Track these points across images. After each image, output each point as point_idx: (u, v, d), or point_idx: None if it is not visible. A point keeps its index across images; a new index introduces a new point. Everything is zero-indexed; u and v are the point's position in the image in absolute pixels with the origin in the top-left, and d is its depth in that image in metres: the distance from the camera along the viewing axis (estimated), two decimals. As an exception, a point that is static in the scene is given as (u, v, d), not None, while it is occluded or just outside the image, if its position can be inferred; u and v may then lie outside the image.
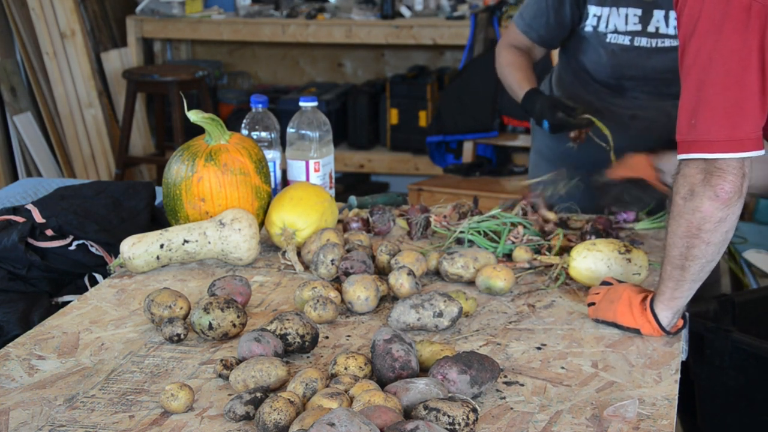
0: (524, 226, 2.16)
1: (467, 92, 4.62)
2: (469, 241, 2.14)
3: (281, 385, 1.53)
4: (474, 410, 1.39)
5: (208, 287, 1.86)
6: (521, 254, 2.05)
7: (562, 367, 1.62)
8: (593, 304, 1.80)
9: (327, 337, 1.75)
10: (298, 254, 2.11)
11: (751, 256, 3.50)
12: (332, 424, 1.26)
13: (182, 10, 5.58)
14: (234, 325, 1.71)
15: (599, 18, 2.38)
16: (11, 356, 1.67)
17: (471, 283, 1.97)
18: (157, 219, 2.42)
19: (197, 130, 2.20)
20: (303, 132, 2.38)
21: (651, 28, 2.36)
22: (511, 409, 1.49)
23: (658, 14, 2.35)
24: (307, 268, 2.07)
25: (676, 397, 1.52)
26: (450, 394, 1.45)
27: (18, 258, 2.13)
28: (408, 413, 1.41)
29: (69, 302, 2.04)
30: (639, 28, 2.36)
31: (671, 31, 2.35)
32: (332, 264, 1.97)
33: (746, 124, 1.54)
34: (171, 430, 1.44)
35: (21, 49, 5.03)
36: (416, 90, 5.38)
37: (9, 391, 1.55)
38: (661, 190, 2.13)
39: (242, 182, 2.12)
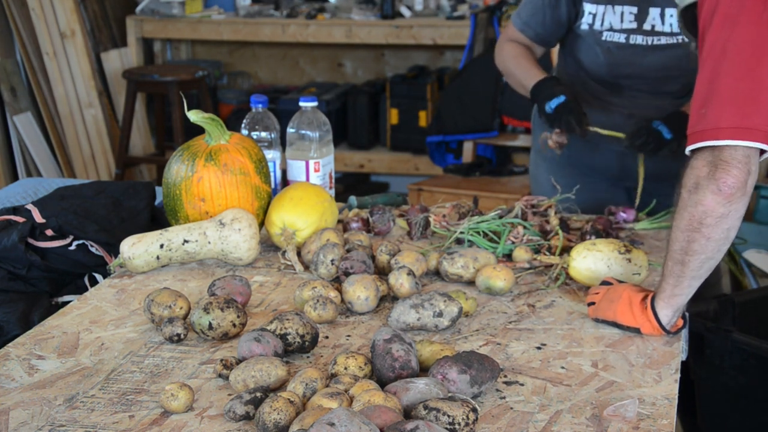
0: (524, 227, 2.16)
1: (467, 92, 4.62)
2: (469, 241, 2.14)
3: (281, 385, 1.53)
4: (474, 410, 1.39)
5: (208, 287, 1.86)
6: (521, 254, 2.05)
7: (562, 367, 1.62)
8: (593, 303, 1.80)
9: (327, 337, 1.75)
10: (298, 254, 2.11)
11: (751, 256, 3.50)
12: (332, 424, 1.26)
13: (182, 10, 5.58)
14: (234, 325, 1.71)
15: (594, 16, 2.38)
16: (11, 356, 1.67)
17: (471, 283, 1.97)
18: (157, 219, 2.42)
19: (197, 130, 2.20)
20: (303, 132, 2.38)
21: (647, 26, 2.36)
22: (511, 408, 1.49)
23: (654, 12, 2.35)
24: (307, 268, 2.07)
25: (676, 397, 1.52)
26: (450, 394, 1.45)
27: (18, 258, 2.13)
28: (408, 413, 1.41)
29: (69, 302, 2.04)
30: (634, 26, 2.37)
31: (667, 28, 2.35)
32: (332, 264, 1.97)
33: (757, 115, 1.53)
34: (171, 430, 1.44)
35: (21, 49, 5.03)
36: (416, 90, 5.38)
37: (9, 391, 1.55)
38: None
39: (242, 182, 2.12)
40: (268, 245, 2.20)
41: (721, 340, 2.16)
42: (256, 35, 5.52)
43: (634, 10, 2.36)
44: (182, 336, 1.72)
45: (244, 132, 2.41)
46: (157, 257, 2.04)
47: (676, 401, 1.51)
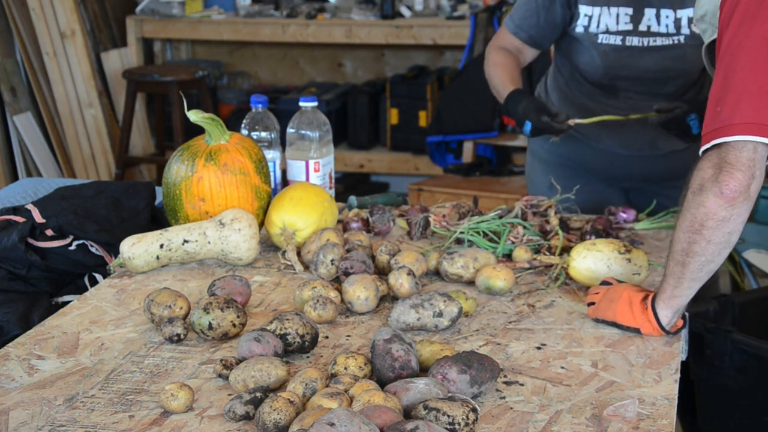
0: (524, 227, 2.16)
1: (467, 92, 4.62)
2: (469, 241, 2.14)
3: (281, 385, 1.53)
4: (474, 410, 1.39)
5: (208, 287, 1.86)
6: (521, 254, 2.05)
7: (562, 367, 1.62)
8: (593, 303, 1.80)
9: (327, 337, 1.75)
10: (298, 254, 2.11)
11: (751, 256, 3.50)
12: (332, 424, 1.26)
13: (182, 10, 5.58)
14: (234, 325, 1.71)
15: (590, 18, 2.38)
16: (11, 356, 1.67)
17: (471, 283, 1.97)
18: (157, 219, 2.42)
19: (197, 130, 2.20)
20: (303, 132, 2.38)
21: (642, 27, 2.36)
22: (511, 408, 1.49)
23: (649, 13, 2.35)
24: (307, 268, 2.07)
25: (676, 397, 1.52)
26: (450, 394, 1.45)
27: (18, 258, 2.13)
28: (408, 413, 1.41)
29: (69, 302, 2.04)
30: (630, 27, 2.36)
31: (663, 29, 2.35)
32: (332, 264, 1.97)
33: None
34: (171, 430, 1.44)
35: (21, 49, 5.03)
36: (416, 90, 5.38)
37: (9, 391, 1.55)
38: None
39: (242, 182, 2.12)
40: (268, 245, 2.20)
41: (721, 340, 2.16)
42: (256, 35, 5.52)
43: (630, 11, 2.35)
44: (182, 336, 1.72)
45: (244, 132, 2.41)
46: (157, 257, 2.04)
47: (676, 401, 1.51)
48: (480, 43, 4.84)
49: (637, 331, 1.73)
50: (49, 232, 2.20)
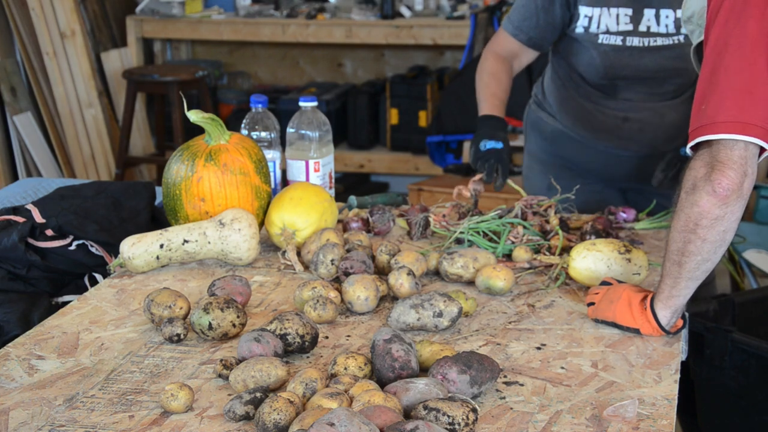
0: (524, 227, 2.16)
1: (467, 92, 4.60)
2: (469, 241, 2.14)
3: (281, 385, 1.53)
4: (474, 410, 1.39)
5: (208, 287, 1.86)
6: (521, 254, 2.05)
7: (562, 367, 1.62)
8: (593, 304, 1.80)
9: (327, 337, 1.75)
10: (298, 254, 2.11)
11: (751, 256, 3.50)
12: (332, 424, 1.26)
13: (182, 10, 5.58)
14: (234, 325, 1.71)
15: (590, 18, 2.37)
16: (11, 356, 1.67)
17: (471, 283, 1.97)
18: (157, 219, 2.41)
19: (197, 130, 2.20)
20: (303, 132, 2.38)
21: (642, 27, 2.36)
22: (511, 409, 1.49)
23: (649, 13, 2.35)
24: (307, 268, 2.07)
25: (676, 397, 1.52)
26: (450, 394, 1.45)
27: (18, 258, 2.13)
28: (408, 413, 1.41)
29: (69, 302, 2.04)
30: (630, 27, 2.36)
31: (662, 29, 2.35)
32: (332, 264, 1.97)
33: (755, 110, 1.53)
34: (171, 430, 1.44)
35: (21, 49, 5.03)
36: (416, 90, 5.38)
37: (9, 391, 1.55)
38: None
39: (242, 182, 2.12)
40: (268, 245, 2.20)
41: (721, 340, 2.16)
42: (256, 35, 5.53)
43: (629, 11, 2.35)
44: (182, 336, 1.72)
45: (244, 132, 2.41)
46: (157, 257, 2.04)
47: (676, 401, 1.51)
48: (480, 43, 4.84)
49: (636, 331, 1.73)
50: (49, 232, 2.20)
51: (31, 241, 2.17)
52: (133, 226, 2.28)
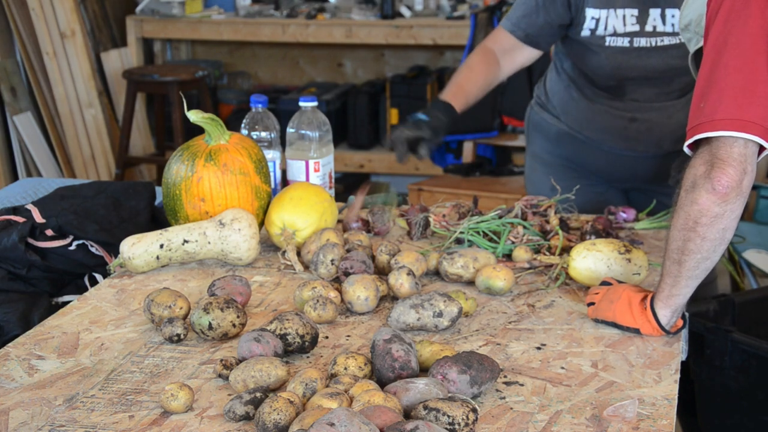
0: (524, 227, 2.15)
1: (467, 92, 4.62)
2: (469, 241, 2.14)
3: (281, 385, 1.53)
4: (474, 410, 1.39)
5: (208, 287, 1.86)
6: (521, 254, 2.05)
7: (562, 367, 1.62)
8: (593, 304, 1.80)
9: (327, 337, 1.75)
10: (298, 254, 2.11)
11: (751, 256, 3.50)
12: (332, 424, 1.26)
13: (182, 10, 5.59)
14: (234, 325, 1.71)
15: (597, 20, 2.37)
16: (11, 356, 1.67)
17: (471, 283, 1.97)
18: (157, 219, 2.41)
19: (197, 130, 2.20)
20: (303, 132, 2.38)
21: (648, 27, 2.35)
22: (511, 409, 1.49)
23: (654, 13, 2.34)
24: (306, 268, 2.07)
25: (676, 397, 1.52)
26: (450, 394, 1.45)
27: (18, 258, 2.13)
28: (408, 413, 1.41)
29: (69, 302, 2.04)
30: (637, 28, 2.36)
31: (669, 28, 2.35)
32: (332, 264, 1.97)
33: (754, 108, 1.53)
34: (171, 430, 1.44)
35: (21, 49, 5.03)
36: (416, 90, 5.38)
37: (9, 391, 1.55)
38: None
39: (242, 182, 2.12)
40: (268, 245, 2.20)
41: (721, 340, 2.16)
42: (256, 35, 5.53)
43: (635, 12, 2.35)
44: (182, 336, 1.72)
45: (244, 132, 2.41)
46: (157, 257, 2.04)
47: (676, 401, 1.51)
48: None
49: (636, 331, 1.73)
50: (49, 232, 2.20)
51: (31, 241, 2.17)
52: (133, 226, 2.28)
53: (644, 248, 2.13)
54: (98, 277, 2.22)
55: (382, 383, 1.50)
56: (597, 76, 2.46)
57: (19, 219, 2.21)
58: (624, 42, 2.37)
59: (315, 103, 2.40)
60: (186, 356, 1.67)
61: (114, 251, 2.21)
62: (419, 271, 1.98)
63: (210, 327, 1.70)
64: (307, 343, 1.65)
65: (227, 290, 1.82)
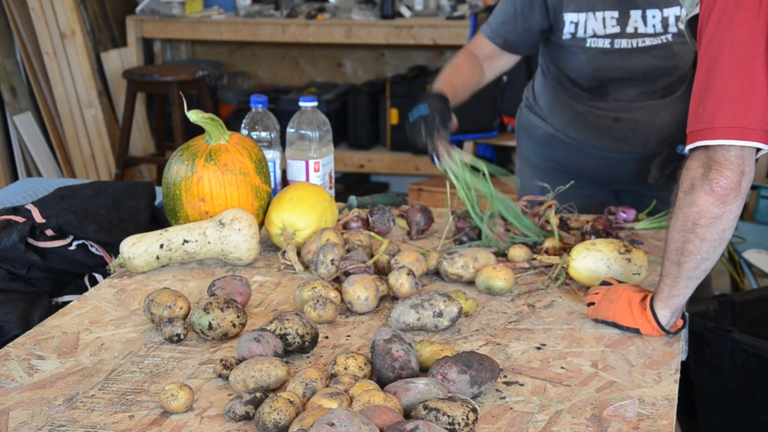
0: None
1: (467, 92, 4.62)
2: (469, 240, 2.14)
3: (281, 385, 1.53)
4: (474, 410, 1.39)
5: (208, 287, 1.86)
6: (521, 254, 2.05)
7: (562, 367, 1.62)
8: (593, 304, 1.80)
9: (327, 337, 1.75)
10: (298, 254, 2.11)
11: (751, 256, 3.49)
12: (332, 424, 1.26)
13: (182, 10, 5.59)
14: (234, 325, 1.71)
15: (576, 24, 2.35)
16: (11, 356, 1.67)
17: (471, 283, 1.97)
18: (157, 219, 2.42)
19: (197, 130, 2.20)
20: (303, 132, 2.38)
21: (630, 29, 2.35)
22: (511, 409, 1.49)
23: (635, 14, 2.34)
24: (306, 268, 2.07)
25: (676, 397, 1.52)
26: (450, 394, 1.45)
27: (18, 258, 2.13)
28: (408, 413, 1.41)
29: (69, 302, 2.04)
30: (618, 30, 2.35)
31: (650, 30, 2.34)
32: (332, 264, 1.97)
33: (752, 113, 1.53)
34: (171, 430, 1.44)
35: (21, 49, 5.03)
36: (416, 90, 5.38)
37: (9, 391, 1.55)
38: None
39: (242, 182, 2.12)
40: (268, 245, 2.20)
41: (721, 340, 2.16)
42: (256, 35, 5.53)
43: (615, 14, 2.34)
44: (182, 336, 1.72)
45: (244, 132, 2.41)
46: (157, 257, 2.04)
47: (676, 401, 1.51)
48: (480, 43, 4.83)
49: (636, 331, 1.73)
50: (49, 232, 2.20)
51: (31, 241, 2.17)
52: (133, 226, 2.28)
53: (644, 248, 2.13)
54: (98, 277, 2.22)
55: (382, 383, 1.50)
56: (579, 77, 2.45)
57: (19, 219, 2.21)
58: (605, 43, 2.36)
59: (315, 103, 2.40)
60: (186, 356, 1.67)
61: (114, 251, 2.21)
62: (419, 271, 1.98)
63: (210, 327, 1.70)
64: (307, 343, 1.65)
65: (227, 290, 1.82)
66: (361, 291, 1.83)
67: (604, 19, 2.34)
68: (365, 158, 5.55)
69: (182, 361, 1.66)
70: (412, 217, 2.25)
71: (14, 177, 4.93)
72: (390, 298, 1.91)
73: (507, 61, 2.52)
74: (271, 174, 2.33)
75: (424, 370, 1.57)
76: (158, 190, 2.50)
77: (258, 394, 1.45)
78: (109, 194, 2.39)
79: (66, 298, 2.17)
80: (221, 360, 1.59)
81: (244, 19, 5.51)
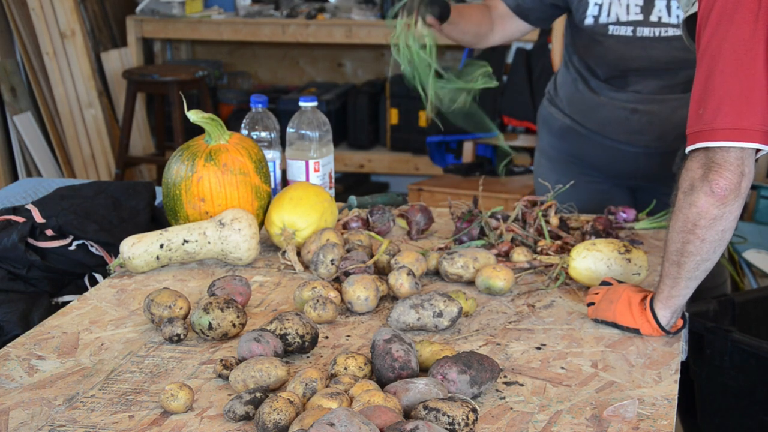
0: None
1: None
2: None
3: (281, 386, 1.53)
4: (474, 410, 1.39)
5: (208, 287, 1.86)
6: (521, 254, 2.05)
7: (562, 367, 1.62)
8: (593, 304, 1.80)
9: (327, 337, 1.75)
10: (298, 254, 2.11)
11: (751, 256, 3.50)
12: (332, 424, 1.26)
13: (182, 10, 5.59)
14: (234, 325, 1.71)
15: (600, 7, 2.36)
16: (11, 356, 1.67)
17: (471, 283, 1.97)
18: (157, 219, 2.42)
19: (197, 130, 2.20)
20: (303, 132, 2.38)
21: (653, 18, 2.35)
22: (511, 409, 1.49)
23: (660, 3, 2.34)
24: (306, 268, 2.07)
25: (676, 397, 1.52)
26: (450, 394, 1.45)
27: (18, 258, 2.13)
28: (408, 413, 1.41)
29: (69, 302, 2.04)
30: (641, 17, 2.35)
31: (674, 20, 2.34)
32: (332, 264, 1.97)
33: (752, 114, 1.53)
34: (171, 430, 1.44)
35: (21, 49, 5.03)
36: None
37: (9, 391, 1.55)
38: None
39: (242, 182, 2.12)
40: (268, 245, 2.20)
41: (721, 340, 2.16)
42: (256, 35, 5.53)
43: (640, 1, 2.34)
44: (182, 336, 1.72)
45: (244, 132, 2.41)
46: (157, 257, 2.04)
47: (676, 402, 1.51)
48: (480, 43, 4.83)
49: (636, 331, 1.73)
50: (49, 232, 2.20)
51: (31, 241, 2.17)
52: (133, 226, 2.28)
53: (644, 248, 2.13)
54: (98, 277, 2.22)
55: (382, 383, 1.50)
56: (600, 66, 2.46)
57: (19, 219, 2.21)
58: (627, 31, 2.36)
59: (315, 103, 2.40)
60: (186, 356, 1.67)
61: (114, 251, 2.21)
62: (419, 271, 1.98)
63: (210, 327, 1.70)
64: (307, 343, 1.65)
65: (227, 290, 1.82)
66: (361, 291, 1.83)
67: (628, 5, 2.35)
68: (365, 158, 5.55)
69: (182, 361, 1.66)
70: (412, 217, 2.25)
71: (14, 177, 4.93)
72: (390, 298, 1.91)
73: (517, 26, 2.53)
74: (271, 174, 2.33)
75: (424, 370, 1.57)
76: (158, 190, 2.50)
77: (258, 394, 1.45)
78: (109, 194, 2.39)
79: (66, 298, 2.17)
80: (221, 360, 1.59)
81: (244, 19, 5.51)
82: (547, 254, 2.07)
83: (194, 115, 2.11)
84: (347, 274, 1.93)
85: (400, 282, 1.88)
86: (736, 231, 1.62)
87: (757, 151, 1.57)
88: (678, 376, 1.60)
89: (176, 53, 6.04)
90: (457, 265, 1.97)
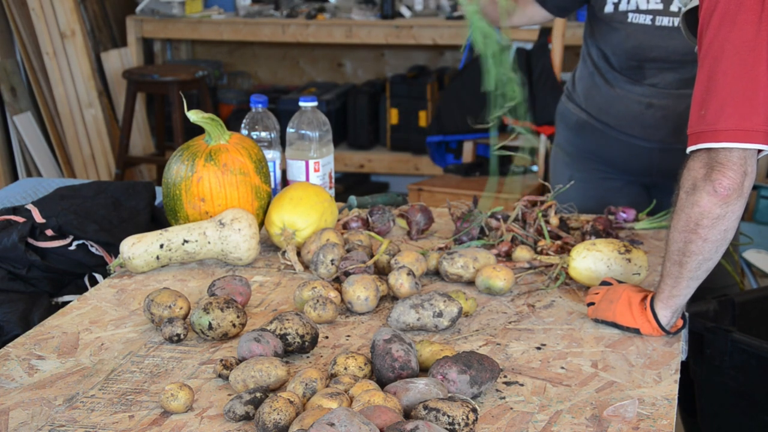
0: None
1: (467, 92, 4.62)
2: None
3: (281, 386, 1.53)
4: (474, 410, 1.39)
5: (208, 287, 1.86)
6: (521, 254, 2.05)
7: (562, 367, 1.62)
8: (593, 304, 1.80)
9: (327, 337, 1.75)
10: (298, 254, 2.11)
11: (751, 256, 3.50)
12: (332, 424, 1.26)
13: (182, 10, 5.59)
14: (234, 325, 1.72)
15: None
16: (11, 356, 1.67)
17: (471, 283, 1.97)
18: (157, 219, 2.42)
19: (197, 130, 2.20)
20: (303, 132, 2.38)
21: (674, 8, 2.35)
22: (511, 409, 1.49)
23: None
24: (306, 268, 2.07)
25: (676, 397, 1.53)
26: (450, 394, 1.45)
27: (18, 258, 2.13)
28: (408, 413, 1.41)
29: (69, 302, 2.04)
30: (661, 6, 2.35)
31: None
32: (332, 264, 1.97)
33: (755, 115, 1.53)
34: (171, 430, 1.44)
35: (21, 49, 5.03)
36: (416, 90, 5.38)
37: (9, 391, 1.56)
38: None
39: (242, 182, 2.12)
40: (268, 245, 2.20)
41: (721, 340, 2.16)
42: (256, 35, 5.53)
43: None
44: (182, 336, 1.72)
45: (244, 132, 2.41)
46: (157, 257, 2.04)
47: (676, 402, 1.51)
48: (480, 43, 4.83)
49: (636, 331, 1.73)
50: (49, 232, 2.20)
51: (31, 241, 2.17)
52: (133, 226, 2.29)
53: (644, 248, 2.13)
54: (98, 277, 2.22)
55: (382, 383, 1.50)
56: (618, 54, 2.46)
57: (19, 219, 2.21)
58: (646, 20, 2.36)
59: (315, 103, 2.40)
60: (186, 356, 1.67)
61: (114, 251, 2.21)
62: (419, 271, 1.98)
63: (210, 327, 1.70)
64: (307, 343, 1.65)
65: (227, 290, 1.82)
66: (361, 291, 1.83)
67: None
68: (365, 158, 5.55)
69: (182, 361, 1.66)
70: (412, 217, 2.25)
71: (14, 177, 4.93)
72: (390, 298, 1.91)
73: (534, 12, 2.55)
74: (271, 174, 2.33)
75: (424, 370, 1.57)
76: (158, 190, 2.50)
77: (258, 394, 1.45)
78: (109, 194, 2.39)
79: (66, 298, 2.17)
80: (221, 360, 1.59)
81: (244, 19, 5.51)
82: (547, 254, 2.07)
83: (194, 115, 2.11)
84: (347, 274, 1.93)
85: (400, 282, 1.88)
86: (743, 232, 1.62)
87: (759, 151, 1.57)
88: (678, 376, 1.60)
89: (176, 53, 6.04)
90: (457, 265, 1.97)
